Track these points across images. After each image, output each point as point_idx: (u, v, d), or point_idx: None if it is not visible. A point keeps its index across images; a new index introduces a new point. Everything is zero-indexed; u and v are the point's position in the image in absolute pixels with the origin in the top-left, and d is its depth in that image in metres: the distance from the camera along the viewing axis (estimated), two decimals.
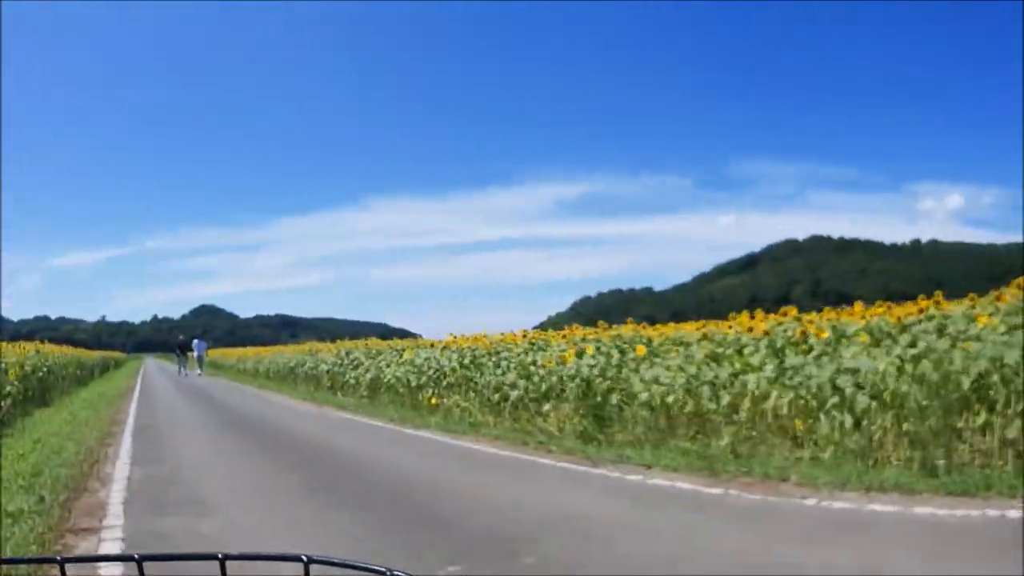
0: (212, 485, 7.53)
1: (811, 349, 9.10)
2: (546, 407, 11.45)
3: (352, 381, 19.39)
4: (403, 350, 19.23)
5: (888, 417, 7.60)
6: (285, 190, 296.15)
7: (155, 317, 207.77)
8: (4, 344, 18.56)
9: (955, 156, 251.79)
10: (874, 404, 7.73)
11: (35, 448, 9.55)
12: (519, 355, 13.69)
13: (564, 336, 15.14)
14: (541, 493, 6.69)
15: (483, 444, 9.92)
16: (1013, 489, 5.51)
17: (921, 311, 9.58)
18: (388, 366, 17.77)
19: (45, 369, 19.49)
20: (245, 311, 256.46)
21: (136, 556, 0.80)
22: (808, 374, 8.48)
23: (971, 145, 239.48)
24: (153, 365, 57.25)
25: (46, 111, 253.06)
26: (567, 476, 7.45)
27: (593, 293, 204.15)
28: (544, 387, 11.79)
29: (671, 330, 14.66)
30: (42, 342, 24.97)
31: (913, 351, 8.05)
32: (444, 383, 14.59)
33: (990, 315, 8.37)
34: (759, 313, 12.68)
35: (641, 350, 11.09)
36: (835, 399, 7.94)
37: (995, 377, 7.30)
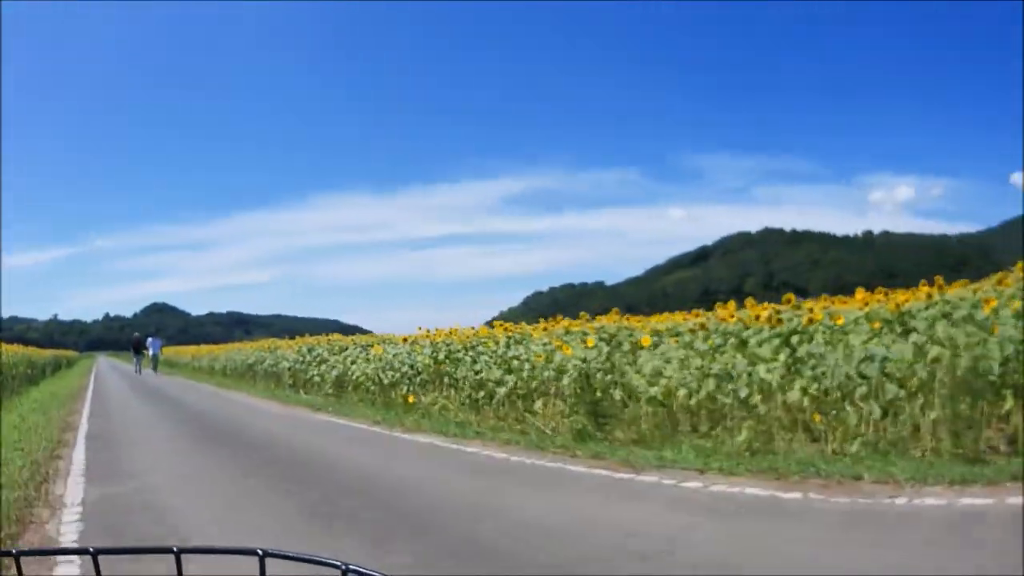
0: (188, 515, 6.08)
1: (809, 338, 8.80)
2: (537, 404, 10.76)
3: (317, 379, 18.49)
4: (370, 346, 18.45)
5: (917, 405, 7.26)
6: (234, 188, 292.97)
7: (107, 316, 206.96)
8: None
9: (903, 148, 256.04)
10: (902, 392, 7.36)
11: None
12: (500, 349, 12.99)
13: (545, 329, 14.50)
14: (601, 511, 5.67)
15: (492, 449, 8.85)
16: None
17: (928, 296, 9.41)
18: (354, 363, 16.93)
19: None
20: (197, 309, 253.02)
21: (92, 549, 0.79)
22: (830, 363, 8.06)
23: (919, 137, 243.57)
24: (105, 363, 55.99)
25: None
26: (616, 487, 6.53)
27: (545, 288, 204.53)
28: (534, 383, 11.08)
29: (658, 321, 14.14)
30: None
31: (924, 337, 7.74)
32: (418, 380, 13.85)
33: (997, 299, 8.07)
34: (749, 302, 12.26)
35: (646, 341, 10.48)
36: (863, 388, 7.57)
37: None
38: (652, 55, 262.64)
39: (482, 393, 11.98)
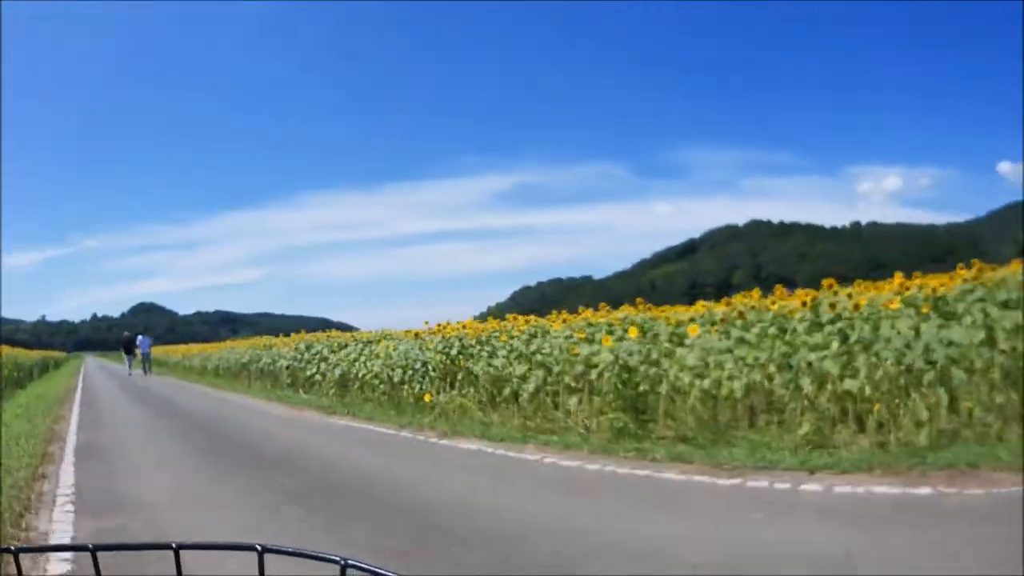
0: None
1: (849, 324, 8.45)
2: (571, 401, 9.98)
3: (318, 378, 17.58)
4: (373, 342, 17.60)
5: (983, 391, 7.01)
6: (221, 187, 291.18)
7: (95, 316, 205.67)
8: None
9: (890, 139, 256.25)
10: (967, 378, 7.12)
11: None
12: (519, 343, 12.20)
13: (564, 321, 13.75)
14: (770, 534, 4.72)
15: (552, 455, 7.91)
16: None
17: (965, 280, 9.28)
18: (356, 360, 16.07)
19: None
20: (184, 308, 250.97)
21: (90, 546, 0.80)
22: (896, 348, 7.60)
23: (907, 127, 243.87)
24: (94, 364, 54.81)
25: None
26: (741, 497, 5.70)
27: (533, 283, 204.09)
28: (566, 378, 10.29)
29: (681, 311, 13.49)
30: None
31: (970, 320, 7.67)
32: (432, 377, 13.01)
33: None
34: (778, 290, 11.73)
35: (694, 330, 9.76)
36: (930, 374, 7.26)
37: None
38: (636, 51, 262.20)
39: (507, 390, 11.16)
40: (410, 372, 13.30)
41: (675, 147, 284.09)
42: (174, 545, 0.80)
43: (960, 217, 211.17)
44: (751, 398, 8.44)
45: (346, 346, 18.66)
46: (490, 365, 12.00)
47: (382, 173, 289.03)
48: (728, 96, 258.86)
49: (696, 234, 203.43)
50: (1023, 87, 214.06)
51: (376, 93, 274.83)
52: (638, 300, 14.13)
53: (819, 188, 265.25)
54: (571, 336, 11.65)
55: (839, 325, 8.47)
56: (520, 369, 11.07)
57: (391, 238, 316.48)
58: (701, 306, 14.45)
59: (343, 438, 10.63)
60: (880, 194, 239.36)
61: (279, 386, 20.29)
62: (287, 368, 20.23)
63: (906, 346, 7.62)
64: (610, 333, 11.86)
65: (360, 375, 15.22)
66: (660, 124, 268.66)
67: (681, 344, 9.79)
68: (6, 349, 28.96)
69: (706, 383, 8.60)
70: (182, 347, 49.42)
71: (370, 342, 17.85)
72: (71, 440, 10.97)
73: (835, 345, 8.07)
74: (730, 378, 8.44)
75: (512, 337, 13.08)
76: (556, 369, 10.54)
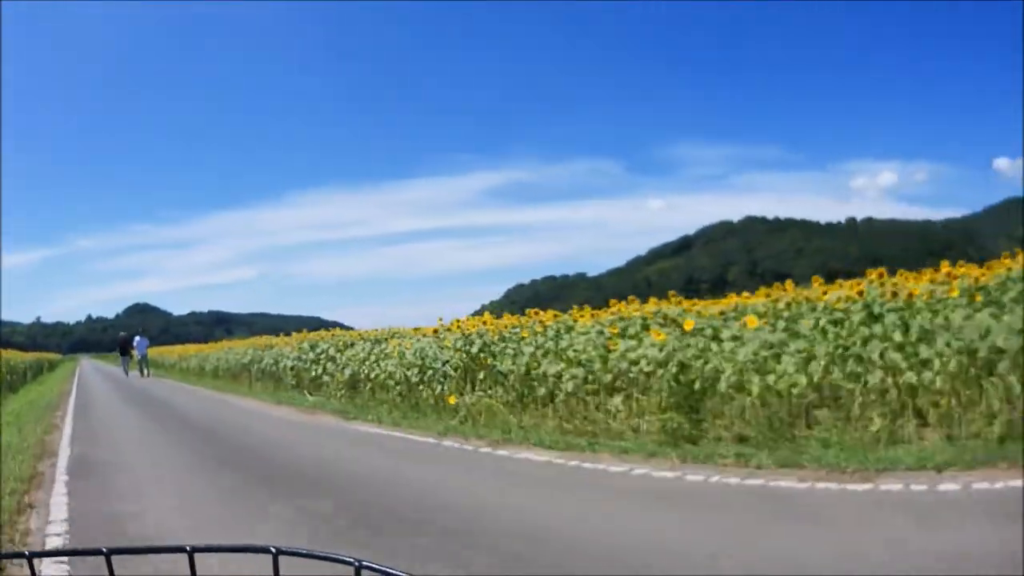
0: None
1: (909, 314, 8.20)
2: (616, 400, 9.14)
3: (326, 378, 16.68)
4: (382, 340, 16.74)
5: None
6: (213, 187, 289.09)
7: (89, 317, 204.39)
8: None
9: (885, 134, 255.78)
10: None
11: None
12: (546, 340, 11.38)
13: (592, 315, 12.90)
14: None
15: (641, 465, 6.85)
16: None
17: (1009, 269, 9.28)
18: (366, 360, 15.18)
19: None
20: (178, 308, 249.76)
21: (104, 550, 0.79)
22: (968, 337, 7.22)
23: (901, 122, 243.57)
24: (89, 366, 53.42)
25: None
26: (889, 503, 4.98)
27: (526, 280, 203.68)
28: (608, 376, 9.46)
29: (719, 304, 12.81)
30: None
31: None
32: (453, 377, 12.15)
33: None
34: (816, 280, 11.32)
35: (753, 321, 9.08)
36: (1004, 362, 6.88)
37: None
38: (627, 48, 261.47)
39: (541, 390, 10.29)
40: (430, 372, 12.41)
41: (667, 143, 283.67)
42: (188, 548, 0.79)
43: (955, 213, 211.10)
44: (809, 394, 7.81)
45: (352, 345, 17.82)
46: (515, 363, 11.18)
47: (373, 171, 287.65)
48: (719, 92, 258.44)
49: (690, 230, 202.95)
50: (1022, 82, 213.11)
51: (366, 92, 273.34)
52: (671, 293, 13.36)
53: (812, 184, 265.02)
54: (602, 331, 10.87)
55: (899, 315, 8.12)
56: (554, 368, 10.21)
57: (383, 236, 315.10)
58: (733, 299, 13.81)
59: (379, 449, 9.37)
60: (874, 189, 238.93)
61: (283, 387, 19.41)
62: (291, 369, 19.32)
63: (984, 335, 7.17)
64: (645, 327, 11.13)
65: (372, 375, 14.32)
66: (652, 120, 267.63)
67: (727, 339, 9.09)
68: (2, 352, 27.94)
69: (770, 379, 7.91)
70: (178, 347, 48.41)
71: (378, 340, 17.01)
72: (64, 455, 9.63)
73: (898, 336, 7.69)
74: (795, 372, 7.81)
75: (536, 333, 12.35)
76: (596, 367, 9.71)
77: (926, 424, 7.08)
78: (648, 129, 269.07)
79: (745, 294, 13.33)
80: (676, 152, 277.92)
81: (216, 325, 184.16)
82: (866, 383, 7.39)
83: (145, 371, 30.66)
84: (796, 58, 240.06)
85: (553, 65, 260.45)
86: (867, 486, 5.36)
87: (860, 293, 9.12)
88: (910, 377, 7.20)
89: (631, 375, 9.36)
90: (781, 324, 9.23)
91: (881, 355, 7.51)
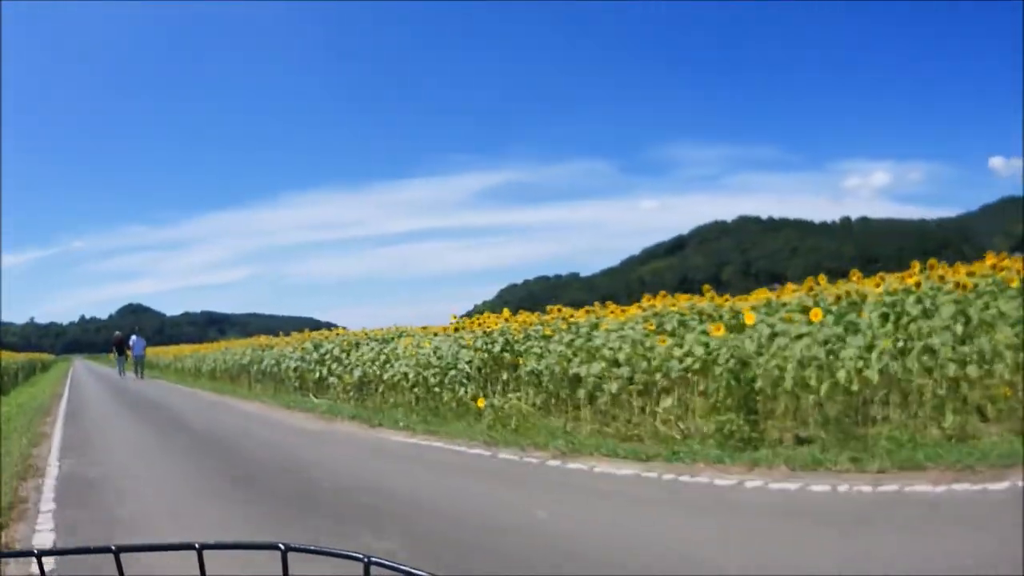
0: None
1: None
2: (667, 401, 8.35)
3: (333, 380, 15.76)
4: (389, 340, 15.86)
5: None
6: (207, 187, 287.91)
7: (82, 317, 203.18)
8: None
9: (878, 133, 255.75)
10: None
11: None
12: (576, 338, 10.57)
13: (623, 311, 12.09)
14: None
15: (746, 475, 5.99)
16: None
17: None
18: (375, 360, 14.30)
19: None
20: (171, 309, 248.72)
21: (113, 547, 0.80)
22: None
23: (895, 122, 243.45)
24: (82, 367, 52.01)
25: None
26: None
27: (519, 281, 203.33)
28: (657, 375, 8.65)
29: (748, 300, 12.16)
30: None
31: None
32: (475, 379, 11.31)
33: None
34: (853, 274, 10.73)
35: (817, 314, 8.37)
36: None
37: None
38: (621, 48, 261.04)
39: (581, 392, 9.45)
40: (451, 373, 11.53)
41: (661, 144, 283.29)
42: (197, 545, 0.79)
43: (952, 212, 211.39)
44: (878, 390, 7.45)
45: (358, 345, 16.94)
46: (543, 362, 10.37)
47: (368, 172, 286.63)
48: (713, 93, 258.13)
49: (684, 230, 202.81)
50: (1022, 81, 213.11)
51: (362, 92, 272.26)
52: (705, 287, 12.52)
53: (806, 184, 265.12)
54: (640, 327, 10.10)
55: (957, 306, 7.71)
56: (595, 367, 9.36)
57: (377, 237, 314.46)
58: (763, 293, 13.11)
59: (430, 467, 7.88)
60: (868, 189, 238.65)
61: (285, 389, 18.53)
62: (295, 370, 18.41)
63: None
64: (682, 324, 10.40)
65: (385, 377, 13.42)
66: (646, 121, 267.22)
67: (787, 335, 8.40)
68: None
69: (840, 374, 7.35)
70: (173, 348, 47.42)
71: (385, 340, 16.14)
72: (52, 473, 8.26)
73: (959, 327, 7.40)
74: (864, 367, 7.26)
75: (560, 330, 11.59)
76: (643, 365, 8.89)
77: (985, 419, 6.87)
78: (642, 130, 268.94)
79: (791, 286, 12.70)
80: (670, 152, 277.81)
81: (209, 325, 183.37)
82: (938, 377, 7.09)
83: (140, 373, 29.52)
84: (789, 59, 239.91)
85: (547, 66, 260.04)
86: (1003, 485, 4.79)
87: (918, 284, 8.65)
88: (972, 371, 6.91)
89: (678, 374, 8.63)
90: (830, 318, 8.57)
91: (953, 347, 7.12)
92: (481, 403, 10.05)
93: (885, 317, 8.31)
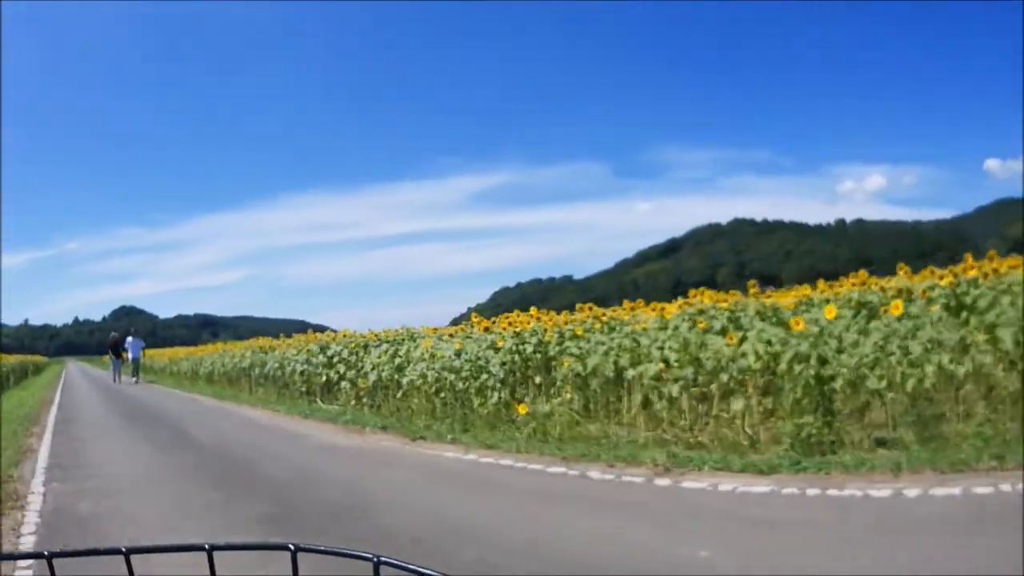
0: None
1: None
2: (738, 404, 7.49)
3: (345, 384, 14.74)
4: (398, 341, 14.89)
5: None
6: (200, 190, 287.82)
7: (76, 319, 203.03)
8: None
9: (873, 137, 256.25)
10: None
11: None
12: (624, 335, 9.73)
13: (663, 308, 11.20)
14: None
15: (906, 485, 5.14)
16: None
17: None
18: (389, 363, 13.33)
19: None
20: (165, 311, 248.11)
21: (124, 549, 0.80)
22: None
23: (890, 126, 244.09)
24: (76, 369, 50.50)
25: None
26: None
27: (512, 283, 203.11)
28: (725, 376, 7.83)
29: (787, 296, 12.07)
30: None
31: None
32: (509, 383, 10.38)
33: None
34: (901, 267, 10.78)
35: (897, 307, 8.07)
36: None
37: None
38: (615, 51, 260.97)
39: (638, 395, 8.55)
40: (484, 376, 10.56)
41: (655, 146, 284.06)
42: (207, 546, 0.79)
43: (947, 214, 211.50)
44: (964, 385, 7.10)
45: (366, 347, 15.98)
46: (584, 364, 9.49)
47: (362, 174, 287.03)
48: (708, 96, 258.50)
49: (678, 233, 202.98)
50: (1022, 84, 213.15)
51: (357, 95, 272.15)
52: (750, 283, 11.65)
53: (800, 187, 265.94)
54: (679, 326, 9.46)
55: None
56: (651, 368, 8.45)
57: (371, 239, 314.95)
58: (806, 289, 12.51)
59: (514, 495, 6.41)
60: (863, 193, 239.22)
61: (290, 394, 17.51)
62: (301, 373, 17.40)
63: None
64: (732, 321, 9.61)
65: (405, 381, 12.41)
66: (640, 124, 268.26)
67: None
68: None
69: (929, 369, 6.94)
70: (167, 350, 46.47)
71: (395, 341, 15.17)
72: (34, 504, 6.65)
73: None
74: (949, 363, 6.94)
75: (594, 330, 10.92)
76: (710, 366, 8.02)
77: None
78: (636, 132, 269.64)
79: (843, 279, 12.09)
80: (664, 155, 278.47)
81: (202, 328, 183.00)
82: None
83: (137, 376, 28.11)
84: (784, 64, 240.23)
85: (541, 70, 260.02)
86: None
87: (985, 275, 8.80)
88: None
89: (744, 375, 7.82)
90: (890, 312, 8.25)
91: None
92: (523, 409, 9.07)
93: (958, 308, 8.23)
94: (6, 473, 8.13)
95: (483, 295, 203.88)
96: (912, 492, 4.95)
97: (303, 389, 17.12)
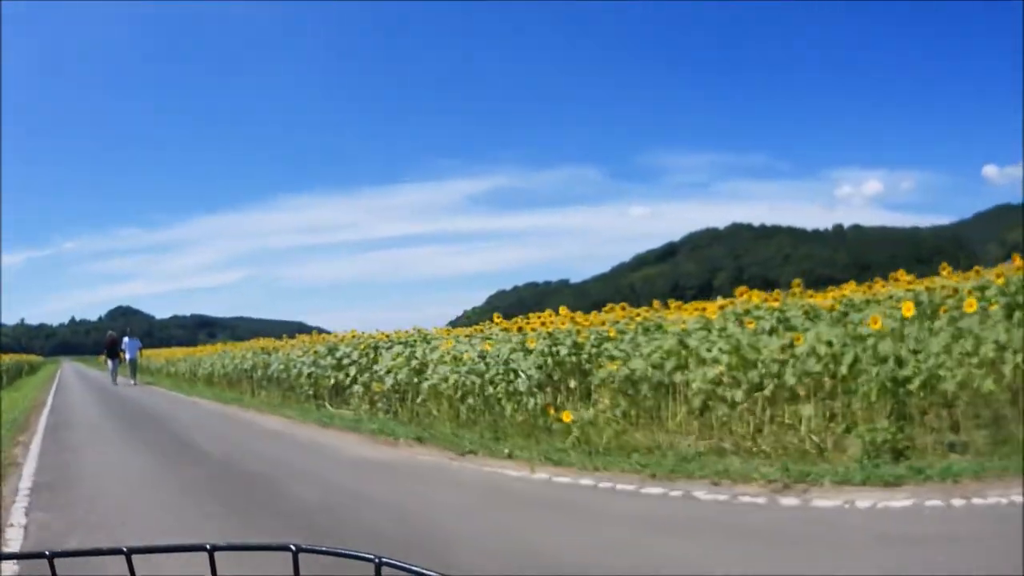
0: None
1: None
2: (806, 409, 6.81)
3: (358, 388, 13.92)
4: (412, 343, 14.17)
5: None
6: (199, 190, 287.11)
7: (73, 319, 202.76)
8: None
9: (871, 142, 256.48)
10: None
11: None
12: (671, 336, 9.07)
13: (705, 309, 10.48)
14: None
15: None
16: None
17: None
18: (406, 365, 12.54)
19: None
20: (161, 312, 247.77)
21: (125, 549, 0.79)
22: None
23: (888, 130, 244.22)
24: (71, 370, 49.40)
25: None
26: None
27: (509, 286, 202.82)
28: (792, 378, 7.22)
29: (827, 296, 11.45)
30: None
31: None
32: (544, 388, 9.64)
33: None
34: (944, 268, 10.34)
35: (972, 305, 7.61)
36: None
37: None
38: (610, 54, 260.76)
39: (696, 401, 7.82)
40: (518, 380, 9.77)
41: (651, 150, 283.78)
42: (208, 546, 0.79)
43: (945, 220, 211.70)
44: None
45: (377, 348, 15.22)
46: (632, 365, 8.78)
47: (359, 176, 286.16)
48: (704, 99, 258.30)
49: (675, 237, 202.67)
50: (1022, 89, 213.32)
51: (356, 95, 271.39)
52: (794, 282, 10.98)
53: (798, 191, 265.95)
54: (724, 327, 8.89)
55: None
56: (710, 372, 7.73)
57: (367, 241, 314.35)
58: (850, 287, 12.09)
59: (612, 524, 5.29)
60: (861, 197, 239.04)
61: (296, 398, 16.73)
62: (309, 376, 16.59)
63: None
64: (781, 322, 9.01)
65: (428, 385, 11.58)
66: (636, 128, 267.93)
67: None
68: None
69: (1006, 370, 6.50)
70: (164, 351, 45.85)
71: (408, 343, 14.43)
72: (13, 541, 5.51)
73: None
74: None
75: (628, 331, 10.43)
76: (775, 368, 7.37)
77: None
78: (633, 136, 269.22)
79: (885, 281, 11.40)
80: (661, 159, 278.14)
81: (199, 329, 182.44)
82: None
83: (135, 377, 27.09)
84: (781, 67, 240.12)
85: (537, 73, 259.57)
86: None
87: None
88: None
89: (809, 378, 7.20)
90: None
91: None
92: (568, 417, 8.26)
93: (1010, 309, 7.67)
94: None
95: (479, 298, 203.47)
96: None
97: (310, 392, 16.34)
